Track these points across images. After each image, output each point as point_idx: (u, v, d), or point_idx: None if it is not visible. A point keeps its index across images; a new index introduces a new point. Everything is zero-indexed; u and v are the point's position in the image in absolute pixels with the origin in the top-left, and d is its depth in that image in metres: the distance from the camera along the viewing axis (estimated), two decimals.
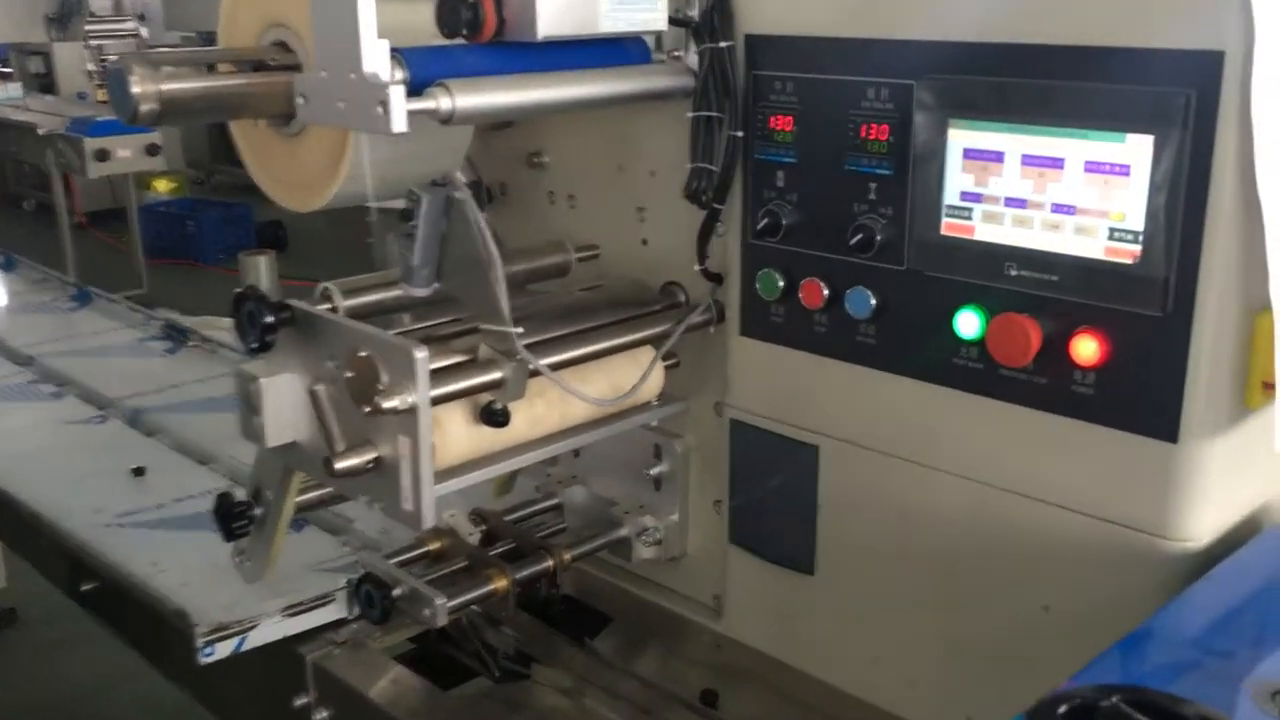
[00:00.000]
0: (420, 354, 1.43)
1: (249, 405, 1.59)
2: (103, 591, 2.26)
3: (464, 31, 1.51)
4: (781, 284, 1.69)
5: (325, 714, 1.95)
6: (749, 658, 1.90)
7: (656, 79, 1.70)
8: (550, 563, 1.83)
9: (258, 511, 1.75)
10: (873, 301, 1.59)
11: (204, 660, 1.89)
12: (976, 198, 1.45)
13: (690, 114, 1.70)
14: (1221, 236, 1.30)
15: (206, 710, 2.25)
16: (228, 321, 2.00)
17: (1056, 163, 1.38)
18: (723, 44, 1.65)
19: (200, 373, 3.21)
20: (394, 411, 1.43)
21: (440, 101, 1.45)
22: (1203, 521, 1.40)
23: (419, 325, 1.70)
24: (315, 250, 8.33)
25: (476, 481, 1.63)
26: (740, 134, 1.68)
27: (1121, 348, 1.38)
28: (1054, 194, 1.39)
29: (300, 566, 2.08)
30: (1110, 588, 1.45)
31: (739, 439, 1.82)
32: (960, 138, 1.45)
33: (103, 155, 7.28)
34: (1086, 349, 1.40)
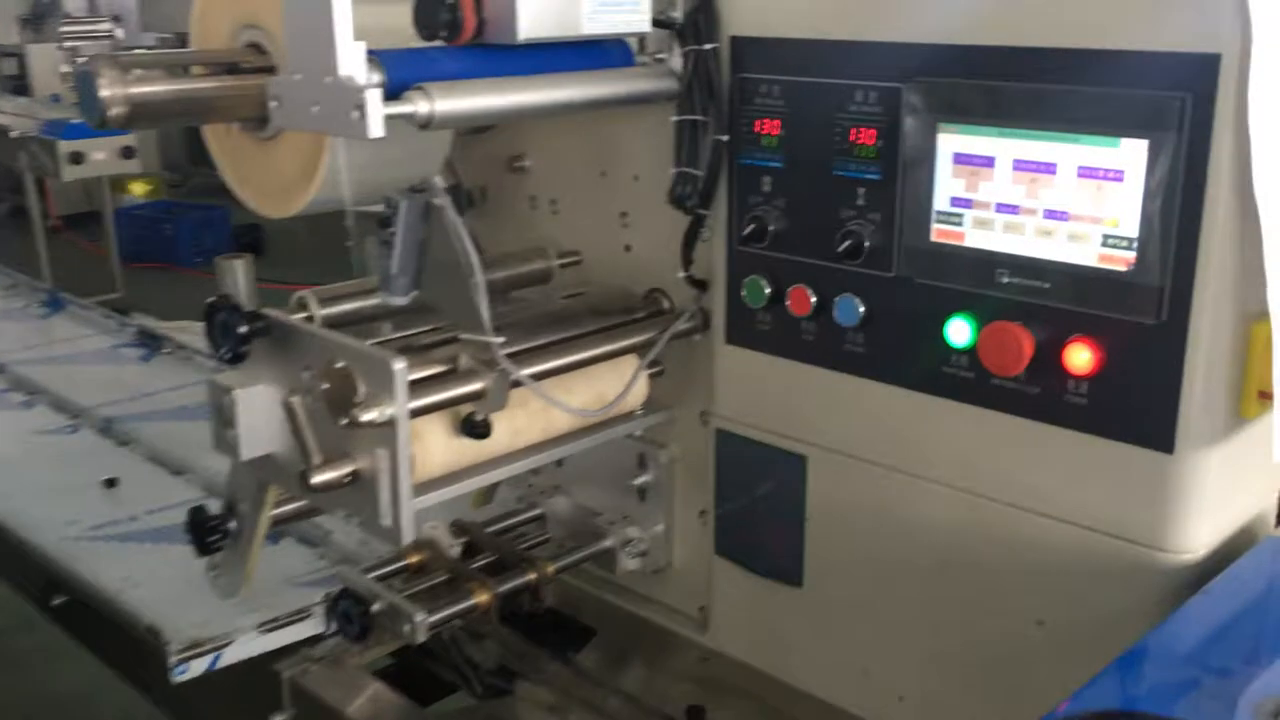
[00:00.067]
0: (398, 365, 1.40)
1: (222, 418, 1.56)
2: (73, 606, 2.22)
3: (443, 33, 1.47)
4: (768, 291, 1.66)
5: None
6: (736, 671, 1.87)
7: (640, 82, 1.67)
8: (533, 575, 1.80)
9: (232, 525, 1.71)
10: (861, 309, 1.56)
11: (177, 678, 1.86)
12: (967, 203, 1.43)
13: (674, 118, 1.67)
14: (1217, 243, 1.28)
15: None
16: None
17: (1049, 168, 1.35)
18: (707, 46, 1.62)
19: (175, 380, 3.18)
20: (372, 424, 1.40)
21: (419, 105, 1.41)
22: (1199, 533, 1.38)
23: (398, 335, 1.68)
24: (294, 254, 8.26)
25: (457, 495, 1.60)
26: (725, 138, 1.65)
27: (1115, 356, 1.36)
28: (1046, 200, 1.36)
29: (276, 581, 2.05)
30: (1104, 600, 1.43)
31: (725, 448, 1.79)
32: (950, 142, 1.43)
33: (77, 158, 7.18)
34: (1080, 358, 1.38)
